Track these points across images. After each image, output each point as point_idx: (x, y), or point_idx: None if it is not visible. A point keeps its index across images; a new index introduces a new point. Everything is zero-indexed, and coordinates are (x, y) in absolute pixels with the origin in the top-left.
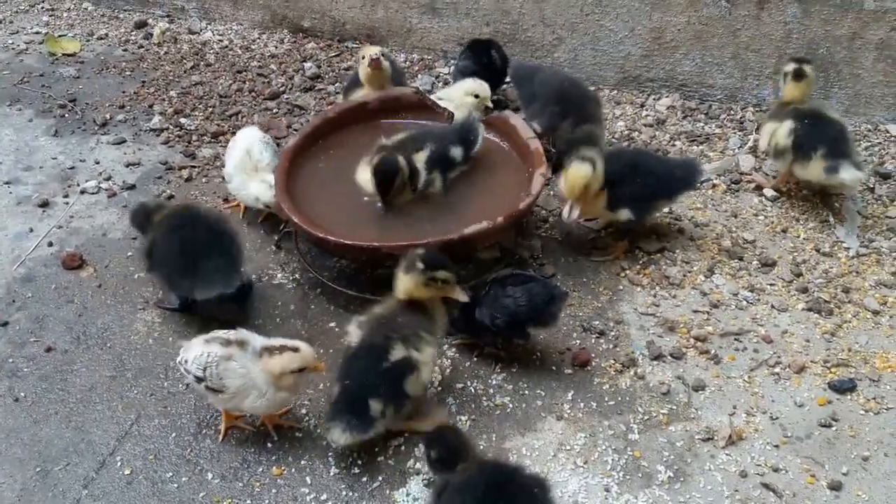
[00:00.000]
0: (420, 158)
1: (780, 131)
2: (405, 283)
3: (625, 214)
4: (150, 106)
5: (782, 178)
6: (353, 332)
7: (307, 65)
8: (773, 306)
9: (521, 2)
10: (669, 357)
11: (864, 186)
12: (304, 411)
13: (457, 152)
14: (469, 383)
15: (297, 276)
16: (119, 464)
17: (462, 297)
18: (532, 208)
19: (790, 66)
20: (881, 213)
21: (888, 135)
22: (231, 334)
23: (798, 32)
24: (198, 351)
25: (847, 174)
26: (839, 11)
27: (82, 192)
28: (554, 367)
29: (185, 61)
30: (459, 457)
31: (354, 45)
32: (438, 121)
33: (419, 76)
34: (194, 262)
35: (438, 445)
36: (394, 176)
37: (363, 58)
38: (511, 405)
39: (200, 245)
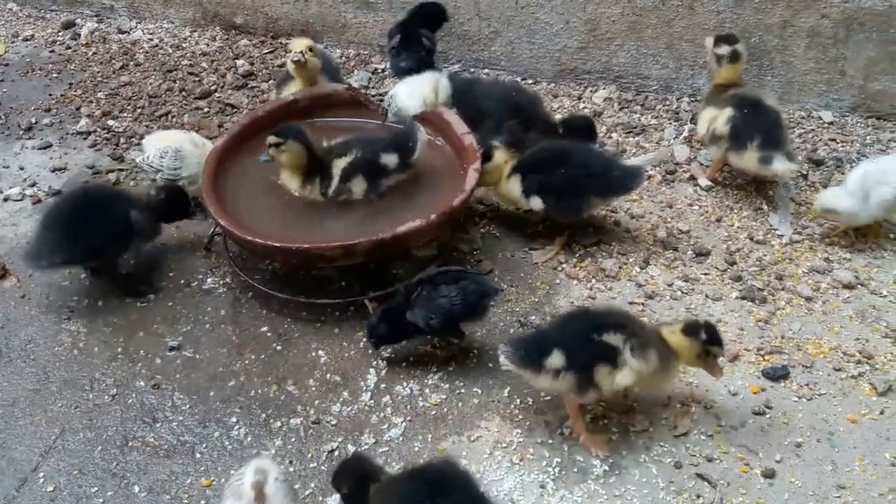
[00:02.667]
0: (338, 165)
1: (720, 118)
2: (679, 341)
3: (535, 203)
4: (78, 108)
5: (716, 167)
6: None
7: (239, 62)
8: (707, 296)
9: None
10: None
11: (798, 173)
12: (234, 419)
13: (390, 159)
14: (405, 384)
15: (227, 279)
16: (42, 480)
17: (717, 374)
18: (466, 204)
19: (724, 49)
20: (814, 199)
21: (821, 121)
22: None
23: (731, 21)
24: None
25: (780, 165)
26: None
27: (5, 200)
28: (490, 365)
29: (113, 61)
30: (365, 483)
31: (288, 42)
32: (372, 118)
33: (355, 72)
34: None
35: (345, 480)
36: (285, 136)
37: (289, 52)
38: (447, 405)
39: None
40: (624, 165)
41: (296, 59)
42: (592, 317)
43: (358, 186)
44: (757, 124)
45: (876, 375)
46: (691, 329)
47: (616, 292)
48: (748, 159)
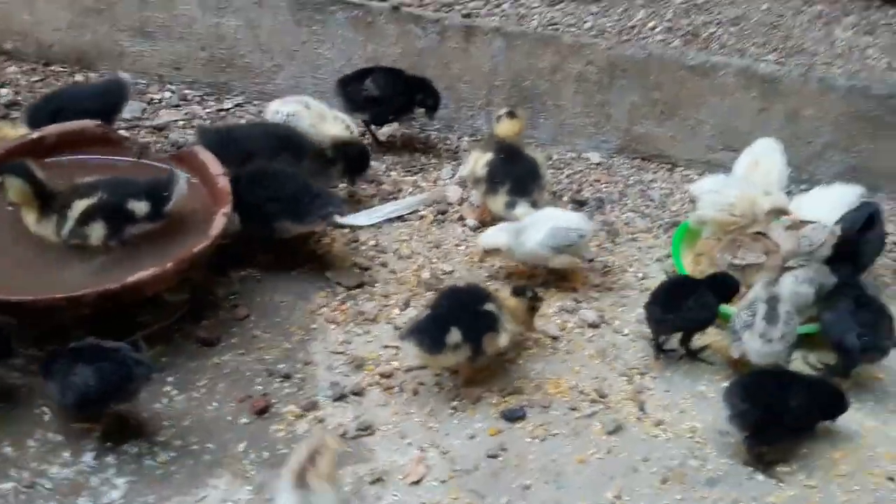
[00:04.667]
0: (78, 206)
1: (481, 161)
2: (513, 303)
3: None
4: None
5: (483, 208)
6: None
7: (3, 91)
8: None
9: (236, 27)
10: (352, 396)
11: None
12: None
13: (140, 207)
14: (133, 441)
15: None
16: None
17: (535, 330)
18: (211, 250)
19: (501, 111)
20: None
21: (589, 162)
22: None
23: (504, 65)
24: None
25: (521, 210)
26: (540, 45)
27: None
28: (230, 418)
29: None
30: None
31: (62, 69)
32: (125, 155)
33: (130, 102)
34: None
35: None
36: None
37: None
38: (176, 463)
39: None
40: (319, 191)
41: None
42: (469, 290)
43: (96, 232)
44: (510, 170)
45: (607, 415)
46: (519, 291)
47: (373, 336)
48: (498, 203)
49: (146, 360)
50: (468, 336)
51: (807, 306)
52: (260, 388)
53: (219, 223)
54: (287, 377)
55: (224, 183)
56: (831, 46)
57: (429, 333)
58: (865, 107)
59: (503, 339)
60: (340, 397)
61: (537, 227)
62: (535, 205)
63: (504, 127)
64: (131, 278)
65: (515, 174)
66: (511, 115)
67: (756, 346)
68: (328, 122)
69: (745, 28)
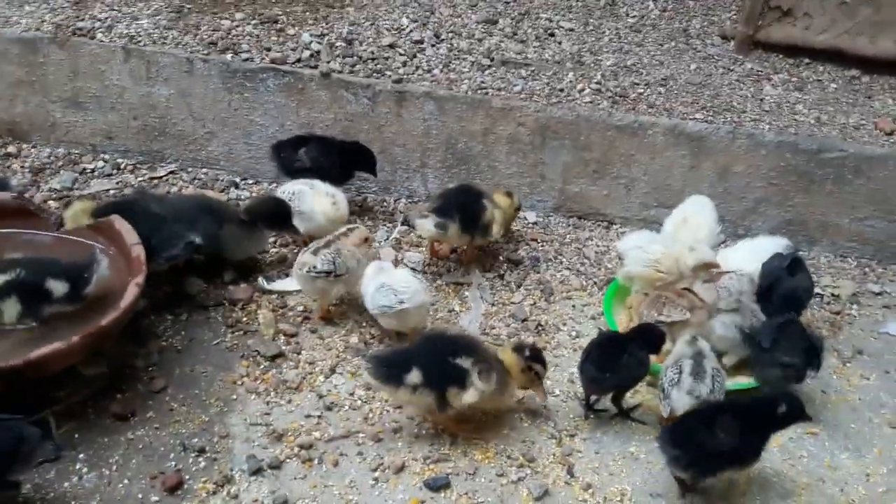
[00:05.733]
0: None
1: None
2: (509, 358)
3: None
4: None
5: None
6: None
7: None
8: (386, 402)
9: (168, 96)
10: (269, 470)
11: (496, 274)
12: None
13: (58, 287)
14: None
15: None
16: None
17: (542, 396)
18: (122, 322)
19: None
20: (507, 299)
21: (526, 221)
22: None
23: (436, 128)
24: None
25: (421, 222)
26: (471, 108)
27: None
28: (140, 496)
29: None
30: None
31: None
32: (43, 228)
33: (61, 172)
34: None
35: None
36: None
37: None
38: None
39: None
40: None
41: None
42: (447, 340)
43: (10, 309)
44: (448, 197)
45: (535, 479)
46: (518, 348)
47: (294, 405)
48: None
49: (40, 434)
50: (431, 383)
51: (735, 345)
52: (173, 463)
53: (130, 294)
54: (202, 451)
55: (138, 252)
56: (760, 103)
57: (387, 364)
58: (795, 161)
59: (469, 397)
60: (257, 471)
61: (373, 282)
62: (440, 227)
63: (497, 196)
64: (34, 354)
65: (449, 199)
66: (509, 194)
67: (684, 402)
68: (321, 197)
69: (672, 88)
